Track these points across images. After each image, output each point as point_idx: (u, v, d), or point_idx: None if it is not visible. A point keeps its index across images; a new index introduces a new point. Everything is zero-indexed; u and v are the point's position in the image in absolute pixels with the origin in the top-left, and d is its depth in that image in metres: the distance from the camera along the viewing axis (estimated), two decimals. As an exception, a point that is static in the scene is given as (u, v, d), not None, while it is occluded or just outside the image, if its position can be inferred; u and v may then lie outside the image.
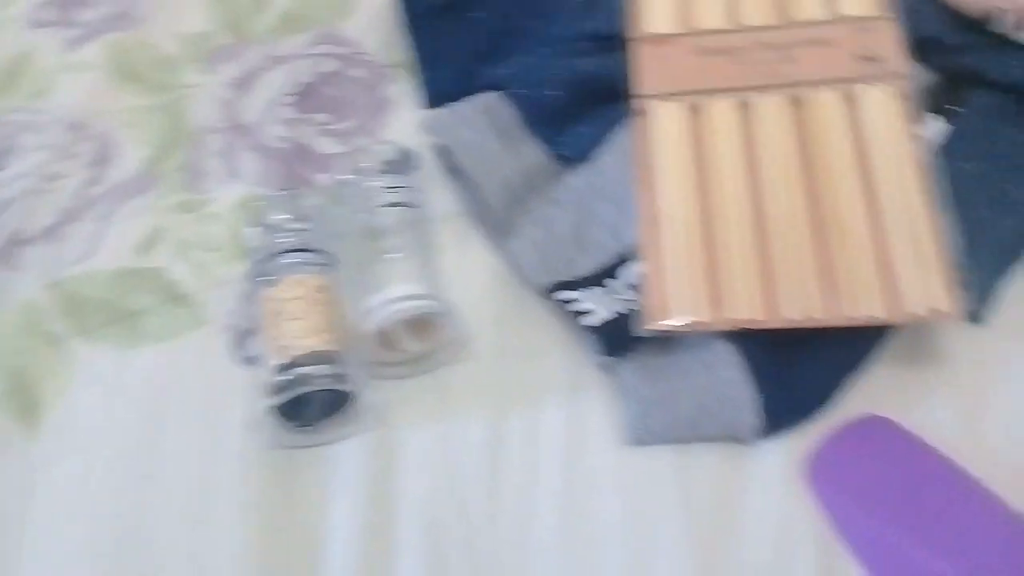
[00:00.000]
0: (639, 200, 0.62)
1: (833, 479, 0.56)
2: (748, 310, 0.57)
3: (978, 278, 0.60)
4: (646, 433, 0.58)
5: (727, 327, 0.57)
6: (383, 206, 0.65)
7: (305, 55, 0.78)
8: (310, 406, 0.58)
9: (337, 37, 0.79)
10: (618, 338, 0.59)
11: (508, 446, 0.59)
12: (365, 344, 0.60)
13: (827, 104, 0.63)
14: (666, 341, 0.60)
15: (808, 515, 0.55)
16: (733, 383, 0.58)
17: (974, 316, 0.61)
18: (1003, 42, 0.68)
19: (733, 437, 0.58)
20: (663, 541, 0.55)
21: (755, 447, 0.58)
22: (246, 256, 0.65)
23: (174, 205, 0.70)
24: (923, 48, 0.68)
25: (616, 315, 0.60)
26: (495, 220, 0.66)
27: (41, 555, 0.57)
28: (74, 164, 0.72)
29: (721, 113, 0.64)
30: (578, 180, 0.68)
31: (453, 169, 0.69)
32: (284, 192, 0.67)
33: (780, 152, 0.62)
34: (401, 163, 0.68)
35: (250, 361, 0.62)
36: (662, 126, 0.64)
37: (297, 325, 0.59)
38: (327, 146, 0.73)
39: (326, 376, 0.57)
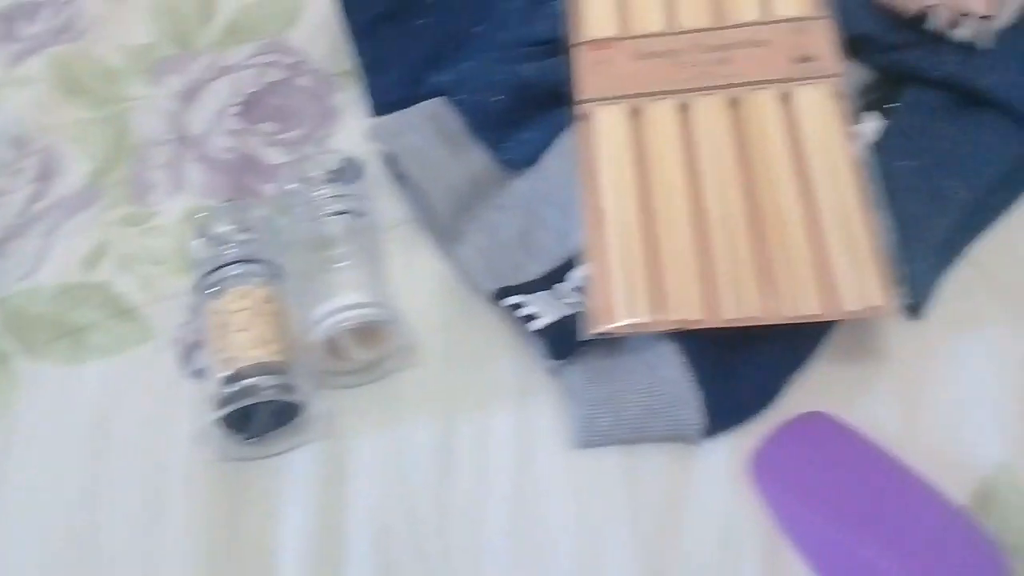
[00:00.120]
0: (583, 204, 0.62)
1: (777, 476, 0.57)
2: (689, 310, 0.57)
3: (916, 273, 0.61)
4: (593, 435, 0.58)
5: (669, 328, 0.58)
6: (329, 215, 0.65)
7: (250, 65, 0.78)
8: (258, 417, 0.58)
9: (282, 47, 0.79)
10: (564, 341, 0.60)
11: (458, 451, 0.59)
12: (313, 354, 0.60)
13: (763, 104, 0.64)
14: (612, 343, 0.60)
15: (753, 512, 0.56)
16: (676, 383, 0.58)
17: (913, 311, 0.62)
18: (937, 40, 0.70)
19: (679, 436, 0.58)
20: (612, 541, 0.56)
21: (701, 446, 0.58)
22: (192, 268, 0.65)
23: (119, 219, 0.70)
24: (859, 46, 0.69)
25: (562, 319, 0.60)
26: (442, 227, 0.67)
27: (-8, 571, 0.57)
28: (18, 180, 0.72)
29: (661, 116, 0.64)
30: (523, 185, 0.68)
31: (400, 176, 0.69)
32: (229, 203, 0.67)
33: (719, 153, 0.62)
34: (347, 171, 0.68)
35: (198, 374, 0.62)
36: (604, 130, 0.65)
37: (243, 336, 0.59)
38: (273, 156, 0.73)
39: (273, 387, 0.57)
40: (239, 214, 0.66)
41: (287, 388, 0.58)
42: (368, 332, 0.61)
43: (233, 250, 0.63)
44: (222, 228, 0.64)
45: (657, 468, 0.58)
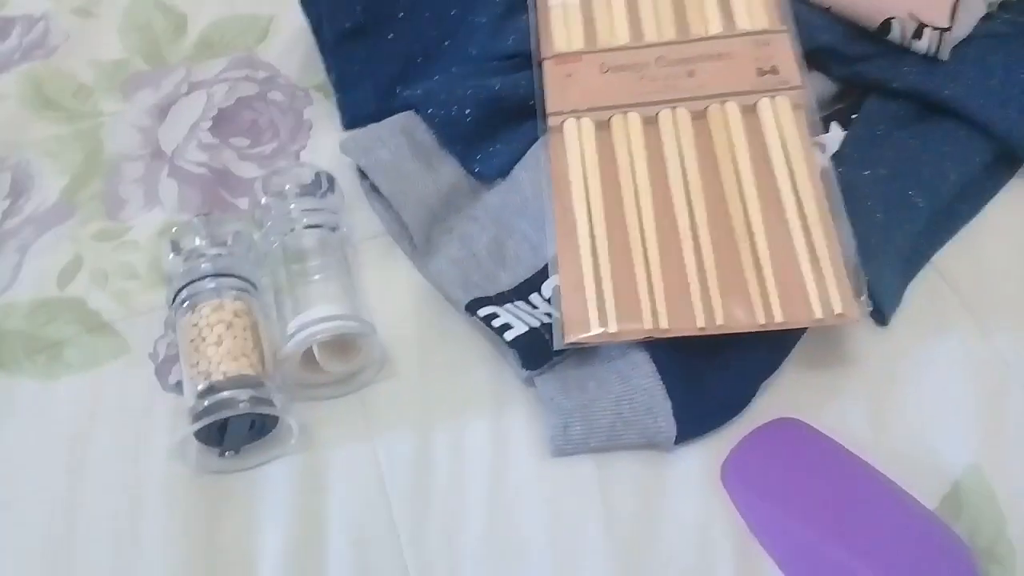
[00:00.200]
0: (554, 215, 0.63)
1: (749, 481, 0.58)
2: (658, 320, 0.58)
3: (882, 281, 0.63)
4: (567, 443, 0.59)
5: (638, 337, 0.59)
6: (303, 228, 0.66)
7: (222, 80, 0.78)
8: (234, 430, 0.59)
9: (254, 61, 0.80)
10: (538, 352, 0.61)
11: (434, 461, 0.60)
12: (288, 366, 0.61)
13: (728, 116, 0.65)
14: (584, 353, 0.61)
15: (727, 517, 0.57)
16: (647, 391, 0.59)
17: (880, 318, 0.63)
18: (898, 51, 0.71)
19: (651, 444, 0.59)
20: (587, 548, 0.56)
21: (673, 453, 0.59)
22: (166, 283, 0.65)
23: (93, 234, 0.70)
24: (821, 58, 0.71)
25: (535, 329, 0.61)
26: (415, 239, 0.67)
27: (-32, 588, 0.57)
28: (-9, 196, 0.72)
29: (628, 128, 0.66)
30: (495, 197, 0.69)
31: (373, 189, 0.70)
32: (203, 217, 0.68)
33: (685, 164, 0.64)
34: (320, 185, 0.68)
35: (174, 388, 0.63)
36: (573, 142, 0.66)
37: (218, 350, 0.59)
38: (247, 170, 0.73)
39: (248, 400, 0.58)
40: (213, 228, 0.66)
41: (263, 401, 0.58)
42: (343, 344, 0.61)
43: (207, 264, 0.63)
44: (196, 242, 0.65)
45: (631, 475, 0.59)
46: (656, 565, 0.56)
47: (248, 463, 0.60)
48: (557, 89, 0.68)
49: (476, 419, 0.61)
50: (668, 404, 0.59)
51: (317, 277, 0.64)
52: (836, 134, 0.69)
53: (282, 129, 0.76)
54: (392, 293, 0.67)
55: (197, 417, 0.57)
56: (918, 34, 0.70)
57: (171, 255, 0.65)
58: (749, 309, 0.58)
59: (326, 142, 0.74)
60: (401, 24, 0.77)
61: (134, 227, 0.70)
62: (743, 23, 0.69)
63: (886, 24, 0.70)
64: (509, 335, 0.61)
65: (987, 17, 0.73)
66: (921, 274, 0.66)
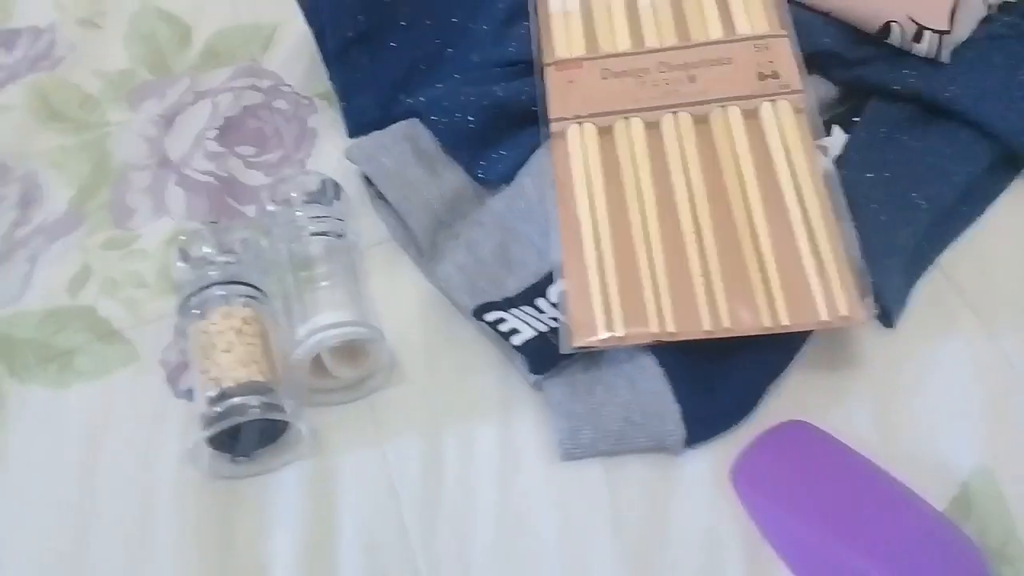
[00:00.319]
0: (558, 220, 0.64)
1: (759, 484, 0.58)
2: (664, 324, 0.59)
3: (887, 283, 0.63)
4: (576, 448, 0.60)
5: (645, 341, 0.59)
6: (310, 235, 0.66)
7: (227, 89, 0.79)
8: (245, 436, 0.59)
9: (258, 70, 0.80)
10: (545, 356, 0.61)
11: (443, 465, 0.60)
12: (298, 372, 0.61)
13: (730, 121, 0.66)
14: (592, 356, 0.62)
15: (736, 520, 0.57)
16: (655, 395, 0.60)
17: (885, 320, 0.64)
18: (898, 54, 0.72)
19: (660, 447, 0.60)
20: (597, 551, 0.57)
21: (682, 456, 0.60)
22: (175, 291, 0.66)
23: (102, 243, 0.70)
24: (821, 62, 0.71)
25: (543, 333, 0.62)
26: (420, 245, 0.68)
27: (-18, 595, 0.58)
28: (0, 206, 0.72)
29: (630, 133, 0.66)
30: (500, 203, 0.70)
31: (379, 196, 0.71)
32: (211, 225, 0.68)
33: (688, 169, 0.64)
34: (326, 192, 0.69)
35: (185, 395, 0.63)
36: (576, 148, 0.66)
37: (227, 357, 0.60)
38: (253, 178, 0.74)
39: (259, 406, 0.58)
40: (220, 236, 0.67)
41: (273, 407, 0.59)
42: (352, 350, 0.62)
43: (216, 272, 0.64)
44: (204, 250, 0.65)
45: (640, 479, 0.59)
46: (665, 568, 0.56)
47: (259, 468, 0.60)
48: (559, 95, 0.69)
49: (485, 424, 0.62)
50: (676, 408, 0.59)
51: (325, 284, 0.64)
52: (838, 137, 0.70)
53: (287, 137, 0.76)
54: (399, 299, 0.67)
55: (209, 423, 0.58)
56: (918, 37, 0.70)
57: (180, 263, 0.65)
58: (755, 312, 0.59)
59: (330, 150, 0.75)
60: (403, 32, 0.78)
61: (142, 236, 0.71)
62: (743, 28, 0.70)
63: (886, 27, 0.71)
64: (516, 340, 0.62)
65: (987, 19, 0.73)
66: (926, 276, 0.66)
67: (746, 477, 0.58)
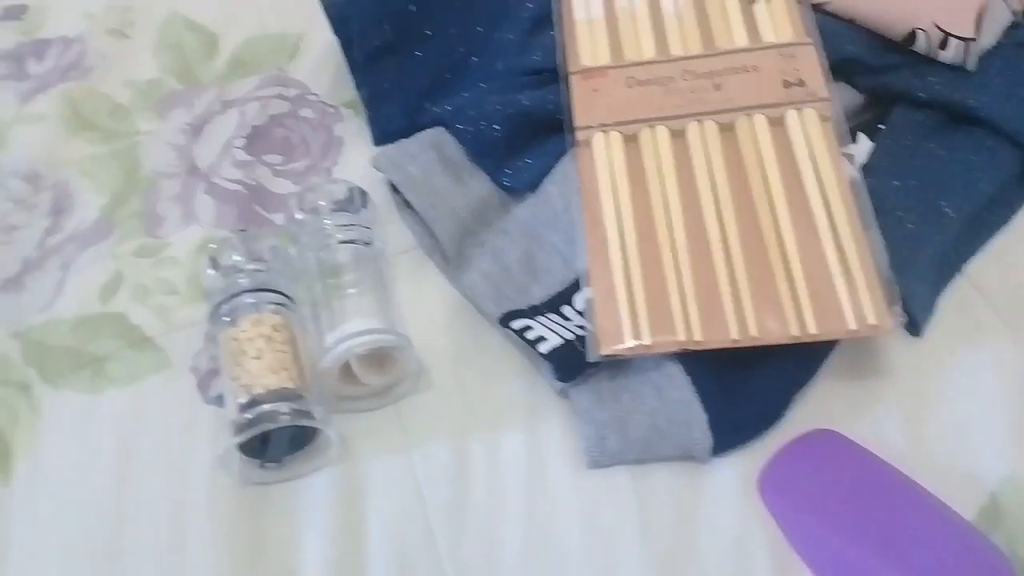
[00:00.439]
0: (584, 228, 0.64)
1: (786, 492, 0.58)
2: (691, 332, 0.59)
3: (914, 291, 0.63)
4: (603, 455, 0.60)
5: (672, 349, 0.59)
6: (338, 244, 0.67)
7: (255, 98, 0.80)
8: (275, 442, 0.60)
9: (285, 79, 0.81)
10: (571, 364, 0.61)
11: (471, 472, 0.61)
12: (326, 379, 0.62)
13: (756, 129, 0.66)
14: (618, 364, 0.62)
15: (763, 528, 0.58)
16: (682, 403, 0.60)
17: (913, 328, 0.64)
18: (924, 61, 0.72)
19: (687, 455, 0.60)
20: (624, 559, 0.57)
21: (709, 464, 0.60)
22: (205, 298, 0.67)
23: (133, 251, 0.71)
24: (847, 70, 0.72)
25: (569, 341, 0.62)
26: (447, 253, 0.68)
27: (18, 600, 0.58)
28: (33, 214, 0.73)
29: (656, 141, 0.66)
30: (525, 210, 0.70)
31: (406, 204, 0.71)
32: (240, 233, 0.69)
33: (714, 177, 0.64)
34: (353, 200, 0.70)
35: (216, 401, 0.64)
36: (601, 156, 0.67)
37: (257, 364, 0.60)
38: (281, 187, 0.75)
39: (289, 412, 0.59)
40: (250, 244, 0.67)
41: (303, 413, 0.59)
42: (379, 357, 0.63)
43: (245, 280, 0.64)
44: (234, 258, 0.66)
45: (667, 486, 0.59)
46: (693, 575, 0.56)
47: (289, 474, 0.61)
48: (584, 103, 0.69)
49: (512, 431, 0.62)
50: (703, 416, 0.59)
51: (352, 291, 0.65)
52: (864, 145, 0.70)
53: (314, 146, 0.77)
54: (425, 306, 0.68)
55: (240, 429, 0.58)
56: (944, 44, 0.70)
57: (210, 271, 0.66)
58: (782, 320, 0.59)
59: (357, 158, 0.76)
60: (429, 42, 0.78)
61: (172, 243, 0.72)
62: (768, 36, 0.70)
63: (912, 35, 0.71)
64: (543, 347, 0.62)
65: (1013, 26, 0.73)
66: (952, 284, 0.66)
67: (773, 486, 0.58)
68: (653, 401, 0.60)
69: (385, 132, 0.76)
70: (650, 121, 0.67)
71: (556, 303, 0.65)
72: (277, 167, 0.76)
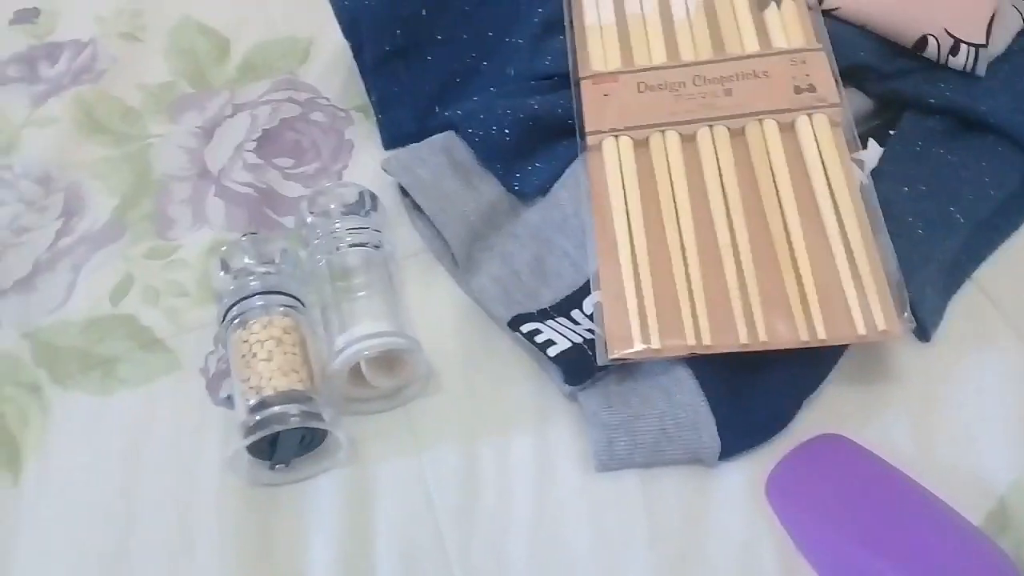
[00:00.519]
0: (594, 232, 0.64)
1: (793, 496, 0.58)
2: (700, 336, 0.59)
3: (923, 297, 0.63)
4: (611, 459, 0.60)
5: (680, 353, 0.59)
6: (348, 247, 0.67)
7: (266, 102, 0.80)
8: (285, 444, 0.60)
9: (296, 83, 0.81)
10: (580, 367, 0.61)
11: (479, 475, 0.61)
12: (336, 381, 0.62)
13: (766, 134, 0.66)
14: (627, 368, 0.62)
15: (771, 533, 0.58)
16: (690, 407, 0.60)
17: (922, 334, 0.64)
18: (934, 67, 0.72)
19: (695, 459, 0.60)
20: (632, 562, 0.57)
21: (717, 468, 0.60)
22: (215, 300, 0.67)
23: (144, 253, 0.72)
24: (858, 75, 0.72)
25: (577, 345, 0.62)
26: (456, 257, 0.68)
27: (27, 598, 0.58)
28: (45, 216, 0.74)
29: (666, 146, 0.67)
30: (535, 215, 0.70)
31: (415, 207, 0.71)
32: (250, 236, 0.69)
33: (724, 182, 0.64)
34: (363, 204, 0.70)
35: (225, 403, 0.64)
36: (612, 161, 0.67)
37: (267, 366, 0.60)
38: (291, 190, 0.75)
39: (298, 414, 0.59)
40: (260, 247, 0.67)
41: (313, 415, 0.59)
42: (389, 360, 0.63)
43: (255, 282, 0.64)
44: (244, 261, 0.66)
45: (675, 490, 0.59)
46: (701, 579, 0.56)
47: (298, 476, 0.61)
48: (595, 108, 0.69)
49: (520, 434, 0.62)
50: (712, 420, 0.59)
51: (362, 294, 0.65)
52: (874, 150, 0.70)
53: (324, 149, 0.77)
54: (435, 309, 0.68)
55: (249, 431, 0.58)
56: (955, 50, 0.70)
57: (220, 273, 0.66)
58: (792, 325, 0.59)
59: (367, 161, 0.76)
60: (440, 46, 0.78)
61: (183, 246, 0.72)
62: (779, 41, 0.70)
63: (922, 40, 0.71)
64: (552, 351, 0.62)
65: (1022, 32, 0.73)
66: (962, 290, 0.66)
67: (781, 490, 0.58)
68: (662, 405, 0.60)
69: (395, 136, 0.76)
70: (661, 126, 0.67)
71: (565, 307, 0.65)
72: (287, 170, 0.76)
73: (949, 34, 0.70)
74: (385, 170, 0.72)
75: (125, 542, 0.59)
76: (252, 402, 0.60)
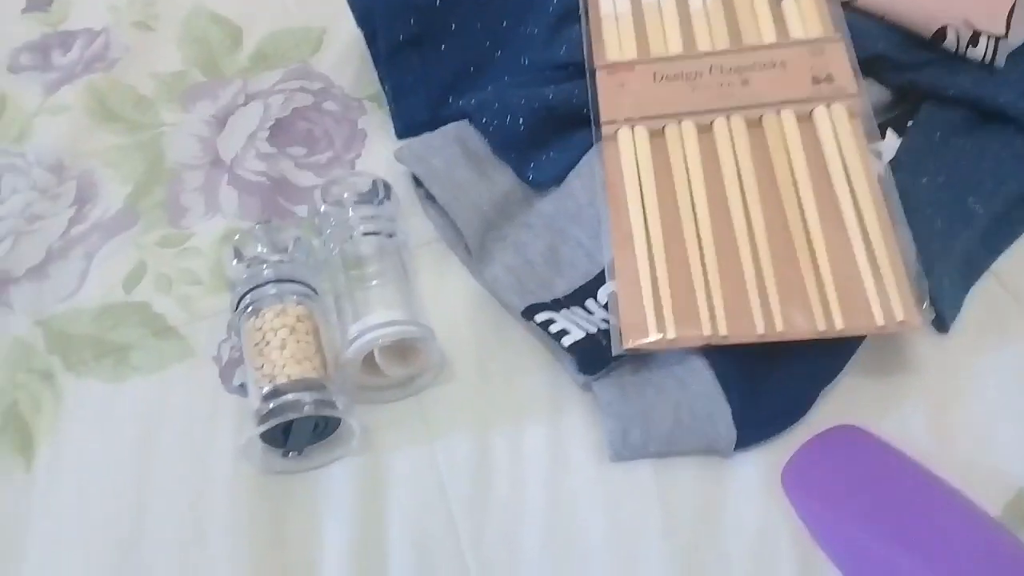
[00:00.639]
0: (609, 222, 0.64)
1: (810, 487, 0.58)
2: (716, 327, 0.59)
3: (941, 288, 0.63)
4: (625, 449, 0.60)
5: (696, 344, 0.59)
6: (361, 235, 0.67)
7: (278, 91, 0.80)
8: (298, 432, 0.60)
9: (309, 72, 0.81)
10: (595, 357, 0.61)
11: (493, 464, 0.60)
12: (349, 370, 0.62)
13: (784, 124, 0.65)
14: (642, 358, 0.62)
15: (787, 523, 0.57)
16: (706, 397, 0.60)
17: (940, 325, 0.63)
18: (953, 58, 0.72)
19: (710, 450, 0.60)
20: (646, 552, 0.57)
21: (732, 459, 0.60)
22: (229, 288, 0.67)
23: (156, 241, 0.71)
24: (876, 66, 0.71)
25: (592, 335, 0.62)
26: (469, 246, 0.68)
27: (39, 585, 0.58)
28: (58, 204, 0.74)
29: (682, 136, 0.66)
30: (549, 205, 0.70)
31: (429, 197, 0.71)
32: (264, 225, 0.69)
33: (741, 172, 0.64)
34: (377, 193, 0.69)
35: (238, 390, 0.64)
36: (627, 151, 0.66)
37: (281, 354, 0.60)
38: (304, 179, 0.75)
39: (312, 402, 0.59)
40: (273, 236, 0.67)
41: (326, 403, 0.59)
42: (402, 348, 0.62)
43: (269, 271, 0.64)
44: (258, 249, 0.66)
45: (690, 480, 0.59)
46: (716, 571, 0.56)
47: (311, 464, 0.61)
48: (610, 98, 0.69)
49: (534, 423, 0.62)
50: (727, 410, 0.59)
51: (375, 283, 0.65)
52: (892, 141, 0.69)
53: (337, 138, 0.77)
54: (448, 298, 0.68)
55: (263, 419, 0.58)
56: (974, 41, 0.70)
57: (234, 262, 0.66)
58: (809, 316, 0.58)
59: (380, 151, 0.75)
60: (454, 35, 0.78)
61: (196, 234, 0.72)
62: (797, 32, 0.69)
63: (941, 32, 0.70)
64: (566, 341, 0.62)
65: (1042, 24, 0.73)
66: (980, 281, 0.66)
67: (797, 480, 0.58)
68: (677, 395, 0.60)
69: (408, 125, 0.76)
70: (677, 116, 0.67)
71: (580, 296, 0.65)
72: (300, 159, 0.76)
73: (968, 25, 0.70)
74: (398, 159, 0.71)
75: (137, 529, 0.59)
76: (265, 390, 0.59)
